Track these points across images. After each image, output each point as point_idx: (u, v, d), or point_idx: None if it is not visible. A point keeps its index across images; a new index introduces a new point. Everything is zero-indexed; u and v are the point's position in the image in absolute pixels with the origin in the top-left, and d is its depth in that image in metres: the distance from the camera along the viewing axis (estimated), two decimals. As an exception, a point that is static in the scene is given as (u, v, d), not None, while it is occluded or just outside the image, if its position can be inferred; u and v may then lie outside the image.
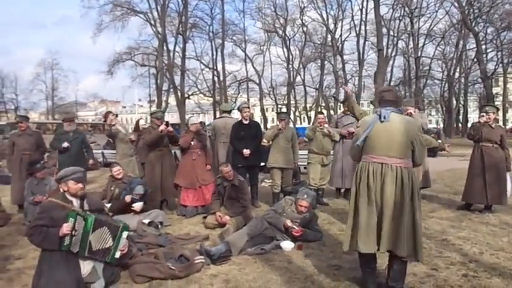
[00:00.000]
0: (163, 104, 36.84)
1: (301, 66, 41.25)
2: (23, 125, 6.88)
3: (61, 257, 2.97)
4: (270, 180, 7.00)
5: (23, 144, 6.78)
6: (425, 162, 6.71)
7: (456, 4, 32.70)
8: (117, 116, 7.35)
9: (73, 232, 2.97)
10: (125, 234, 3.19)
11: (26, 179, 6.10)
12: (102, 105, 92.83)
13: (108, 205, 5.53)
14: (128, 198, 5.36)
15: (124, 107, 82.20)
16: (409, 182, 2.91)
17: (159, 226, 5.12)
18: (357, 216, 3.00)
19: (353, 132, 5.32)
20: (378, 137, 2.98)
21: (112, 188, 5.86)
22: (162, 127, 6.20)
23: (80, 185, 3.18)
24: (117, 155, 6.99)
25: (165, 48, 34.95)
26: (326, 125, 6.74)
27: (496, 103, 33.81)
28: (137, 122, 8.34)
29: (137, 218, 5.20)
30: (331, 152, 6.94)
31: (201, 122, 7.33)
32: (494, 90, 38.76)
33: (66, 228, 2.92)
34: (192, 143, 6.24)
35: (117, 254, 3.16)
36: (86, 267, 3.08)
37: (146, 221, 5.08)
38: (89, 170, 12.50)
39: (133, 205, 5.31)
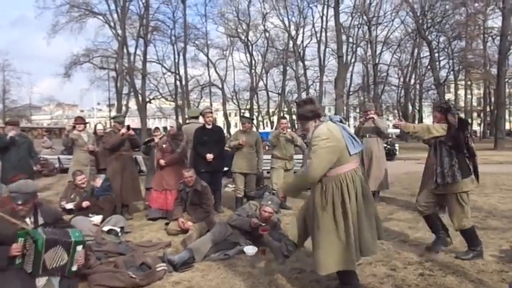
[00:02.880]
0: (124, 108, 35.97)
1: (263, 71, 41.66)
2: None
3: (15, 270, 2.83)
4: (234, 185, 6.99)
5: None
6: (384, 166, 6.95)
7: (411, 14, 34.35)
8: (86, 123, 7.09)
9: (24, 251, 2.84)
10: (79, 247, 3.09)
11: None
12: (58, 109, 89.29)
13: (70, 205, 5.42)
14: (85, 203, 5.27)
15: (82, 111, 79.35)
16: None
17: (120, 233, 4.98)
18: (340, 232, 2.78)
19: None
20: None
21: (72, 196, 5.67)
22: (124, 130, 6.21)
23: (21, 208, 3.02)
24: (72, 161, 6.77)
25: (125, 51, 34.19)
26: (288, 130, 6.85)
27: (448, 109, 35.66)
28: (95, 127, 8.12)
29: (97, 224, 5.05)
30: (294, 157, 7.05)
31: (156, 128, 7.28)
32: (447, 96, 40.93)
33: (15, 249, 2.81)
34: (164, 145, 6.22)
35: (74, 267, 3.06)
36: (41, 280, 2.95)
37: (106, 229, 4.93)
38: (45, 176, 12.09)
39: (92, 218, 5.16)
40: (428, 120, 47.90)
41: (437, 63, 36.43)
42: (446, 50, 38.60)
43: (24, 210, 3.04)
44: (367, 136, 7.00)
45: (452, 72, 39.97)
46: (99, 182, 5.72)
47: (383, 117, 6.58)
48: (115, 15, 33.97)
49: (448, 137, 3.92)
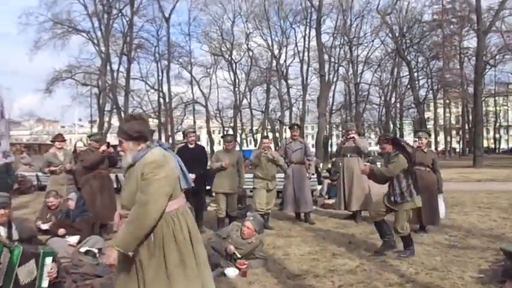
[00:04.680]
0: (106, 125, 35.57)
1: (247, 89, 41.92)
2: None
3: None
4: (215, 205, 6.93)
5: None
6: (366, 185, 7.00)
7: (390, 35, 35.33)
8: (64, 140, 6.96)
9: None
10: (48, 260, 2.98)
11: None
12: (38, 125, 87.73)
13: (45, 226, 5.28)
14: (61, 231, 5.13)
15: (63, 127, 78.17)
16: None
17: (97, 255, 4.84)
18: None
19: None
20: None
21: (48, 216, 5.54)
22: (103, 147, 6.13)
23: (1, 211, 2.94)
24: (49, 180, 6.63)
25: (108, 68, 34.02)
26: (271, 150, 6.87)
27: (428, 126, 36.45)
28: (75, 144, 8.00)
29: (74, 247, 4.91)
30: (276, 176, 7.06)
31: None
32: (426, 114, 41.92)
33: None
34: None
35: (45, 283, 2.94)
36: None
37: (83, 250, 4.79)
38: (22, 193, 11.77)
39: (69, 239, 5.03)
40: (409, 138, 48.79)
41: (416, 82, 37.39)
42: (425, 69, 39.70)
43: (5, 217, 2.96)
44: (348, 156, 7.08)
45: (431, 91, 40.99)
46: (72, 204, 5.58)
47: (364, 136, 6.71)
48: (99, 33, 33.89)
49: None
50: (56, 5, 32.75)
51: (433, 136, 38.03)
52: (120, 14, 35.06)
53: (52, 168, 6.41)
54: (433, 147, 31.42)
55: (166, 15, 36.56)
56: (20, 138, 71.12)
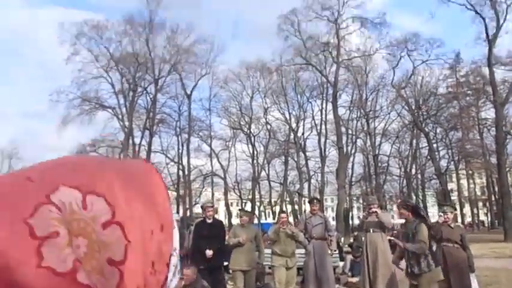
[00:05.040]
0: (125, 198, 35.83)
1: (265, 161, 42.18)
2: None
3: None
4: (232, 283, 6.63)
5: None
6: (390, 259, 6.63)
7: (406, 107, 35.88)
8: None
9: None
10: None
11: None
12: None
13: None
14: None
15: (83, 201, 79.09)
16: None
17: None
18: None
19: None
20: None
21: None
22: None
23: None
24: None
25: (130, 141, 35.15)
26: (290, 225, 6.70)
27: (452, 198, 35.38)
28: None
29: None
30: (296, 252, 6.80)
31: None
32: (449, 185, 40.87)
33: None
34: None
35: None
36: None
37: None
38: None
39: None
40: (433, 209, 47.19)
41: (436, 153, 37.07)
42: (444, 140, 39.51)
43: None
44: (371, 231, 6.81)
45: (452, 162, 40.36)
46: None
47: (386, 210, 6.48)
48: (123, 109, 35.61)
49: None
50: (86, 83, 35.06)
51: (458, 208, 36.78)
52: (144, 92, 37.05)
53: None
54: (459, 220, 30.23)
55: (188, 92, 38.38)
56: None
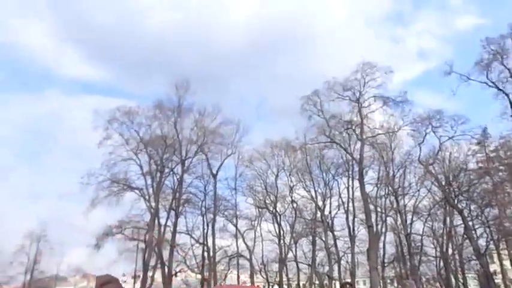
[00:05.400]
0: (149, 280, 34.90)
1: (292, 241, 40.92)
2: None
3: None
4: None
5: None
6: None
7: (436, 183, 34.86)
8: None
9: None
10: None
11: None
12: (83, 280, 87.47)
13: None
14: None
15: (107, 283, 77.47)
16: None
17: None
18: None
19: None
20: None
21: None
22: None
23: None
24: None
25: (156, 222, 35.12)
26: None
27: (496, 281, 32.61)
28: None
29: None
30: None
31: None
32: (492, 267, 37.85)
33: None
34: None
35: None
36: None
37: None
38: None
39: None
40: (476, 294, 43.46)
41: (473, 231, 35.01)
42: (479, 217, 37.41)
43: None
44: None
45: (491, 242, 37.84)
46: None
47: None
48: (150, 190, 36.18)
49: None
50: (116, 166, 36.28)
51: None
52: (171, 173, 37.84)
53: None
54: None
55: (214, 172, 38.95)
56: (64, 295, 70.52)
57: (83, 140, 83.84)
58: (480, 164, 35.63)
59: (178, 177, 37.37)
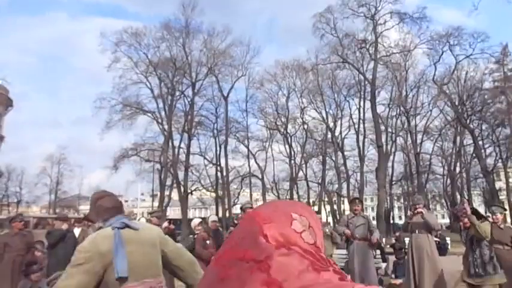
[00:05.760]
0: (166, 199, 36.81)
1: (303, 161, 41.95)
2: (19, 224, 6.56)
3: None
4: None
5: (17, 244, 6.40)
6: (439, 265, 6.41)
7: (449, 104, 34.49)
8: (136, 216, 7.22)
9: None
10: None
11: (18, 281, 5.81)
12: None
13: None
14: None
15: (126, 201, 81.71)
16: None
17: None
18: None
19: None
20: (133, 257, 2.17)
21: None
22: (166, 224, 6.31)
23: None
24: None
25: (170, 144, 36.03)
26: (328, 227, 6.66)
27: (500, 198, 33.65)
28: (138, 220, 8.28)
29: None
30: (337, 253, 6.74)
31: (200, 222, 7.21)
32: (497, 184, 38.79)
33: None
34: (208, 242, 6.12)
35: None
36: None
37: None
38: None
39: None
40: (480, 210, 45.08)
41: (482, 151, 35.37)
42: (490, 137, 37.58)
43: None
44: (416, 232, 6.62)
45: (500, 160, 38.35)
46: None
47: (429, 209, 6.11)
48: (163, 113, 36.61)
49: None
50: (127, 89, 36.36)
51: (508, 209, 34.95)
52: (182, 95, 37.90)
53: None
54: (508, 221, 28.70)
55: (225, 95, 38.88)
56: (87, 213, 75.32)
57: (94, 64, 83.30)
58: (496, 83, 34.86)
59: (189, 100, 37.48)
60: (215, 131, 39.79)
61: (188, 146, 36.86)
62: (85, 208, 77.82)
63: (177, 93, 37.24)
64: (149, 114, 37.18)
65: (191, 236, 7.21)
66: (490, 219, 5.83)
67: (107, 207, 2.33)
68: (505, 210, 6.56)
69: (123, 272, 2.09)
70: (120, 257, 2.11)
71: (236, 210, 35.88)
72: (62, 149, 49.78)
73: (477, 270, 4.32)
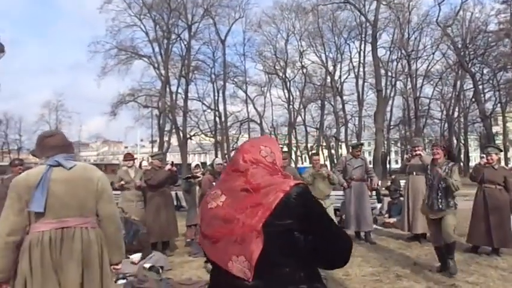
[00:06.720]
0: (165, 145, 37.10)
1: (301, 106, 41.84)
2: (20, 168, 6.64)
3: None
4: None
5: None
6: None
7: (452, 47, 33.73)
8: (134, 159, 7.25)
9: None
10: None
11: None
12: (104, 146, 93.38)
13: None
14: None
15: (126, 147, 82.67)
16: (98, 247, 2.33)
17: (160, 271, 5.02)
18: None
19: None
20: (56, 194, 2.24)
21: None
22: (169, 166, 6.40)
23: None
24: (120, 197, 6.89)
25: (167, 90, 35.66)
26: (325, 169, 6.78)
27: (496, 142, 34.01)
28: (140, 163, 8.41)
29: (135, 265, 5.14)
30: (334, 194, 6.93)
31: (197, 165, 7.34)
32: (494, 129, 39.04)
33: None
34: (214, 183, 6.24)
35: None
36: None
37: (147, 266, 4.99)
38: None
39: (131, 257, 5.27)
40: (475, 154, 45.80)
41: (482, 95, 35.15)
42: (491, 81, 37.18)
43: None
44: (414, 174, 6.77)
45: (499, 105, 38.28)
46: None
47: (430, 153, 6.12)
48: (159, 57, 35.82)
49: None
50: (120, 33, 35.25)
51: (503, 152, 35.40)
52: (178, 39, 36.87)
53: (122, 183, 6.69)
54: (503, 164, 29.22)
55: (222, 38, 37.84)
56: (88, 159, 76.21)
57: (84, 7, 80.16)
58: (501, 26, 33.84)
59: (185, 43, 36.53)
60: (213, 76, 39.27)
61: (186, 91, 36.52)
62: (85, 154, 78.82)
63: (173, 36, 36.22)
64: (145, 59, 36.43)
65: (184, 179, 7.40)
66: (484, 160, 5.95)
67: (51, 145, 2.37)
68: (501, 151, 6.64)
69: (38, 207, 2.18)
70: (39, 192, 2.19)
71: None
72: (58, 96, 49.45)
73: (440, 205, 4.70)
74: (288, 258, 1.34)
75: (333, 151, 41.86)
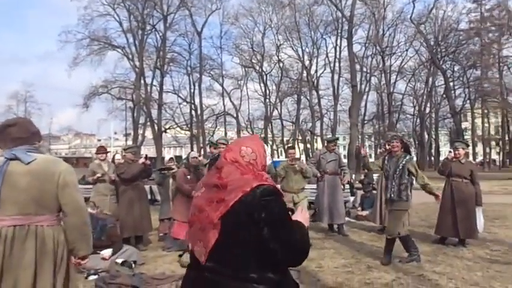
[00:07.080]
0: (140, 138, 36.54)
1: (277, 100, 41.99)
2: None
3: None
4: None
5: None
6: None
7: (424, 44, 34.59)
8: (107, 152, 7.09)
9: None
10: None
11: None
12: (76, 138, 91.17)
13: None
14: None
15: (99, 140, 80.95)
16: (54, 246, 2.19)
17: (133, 265, 4.96)
18: None
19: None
20: (11, 189, 2.11)
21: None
22: (143, 160, 6.28)
23: None
24: (92, 191, 6.75)
25: (142, 82, 35.05)
26: (298, 162, 6.82)
27: (465, 137, 35.18)
28: (113, 156, 8.23)
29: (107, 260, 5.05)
30: (308, 188, 7.00)
31: (171, 158, 7.27)
32: (463, 124, 40.39)
33: None
34: (189, 177, 6.17)
35: None
36: None
37: (119, 261, 4.91)
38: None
39: (102, 252, 5.16)
40: (445, 148, 47.18)
41: (452, 92, 36.22)
42: (461, 78, 38.39)
43: None
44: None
45: (468, 101, 39.55)
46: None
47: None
48: (133, 48, 35.13)
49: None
50: (93, 22, 34.34)
51: (470, 147, 36.63)
52: (153, 30, 36.22)
53: (98, 175, 6.54)
54: (471, 159, 30.28)
55: (199, 30, 37.45)
56: (59, 152, 74.27)
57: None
58: (472, 25, 34.90)
59: (161, 34, 35.95)
60: (188, 68, 38.83)
61: (161, 84, 36.03)
62: (56, 147, 76.71)
63: (148, 27, 35.58)
64: (119, 50, 35.67)
65: (158, 170, 7.33)
66: (452, 155, 6.15)
67: (14, 137, 2.23)
68: (468, 146, 6.86)
69: None
70: None
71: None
72: (28, 86, 47.79)
73: (392, 195, 4.93)
74: (243, 250, 1.49)
75: (308, 145, 42.29)
